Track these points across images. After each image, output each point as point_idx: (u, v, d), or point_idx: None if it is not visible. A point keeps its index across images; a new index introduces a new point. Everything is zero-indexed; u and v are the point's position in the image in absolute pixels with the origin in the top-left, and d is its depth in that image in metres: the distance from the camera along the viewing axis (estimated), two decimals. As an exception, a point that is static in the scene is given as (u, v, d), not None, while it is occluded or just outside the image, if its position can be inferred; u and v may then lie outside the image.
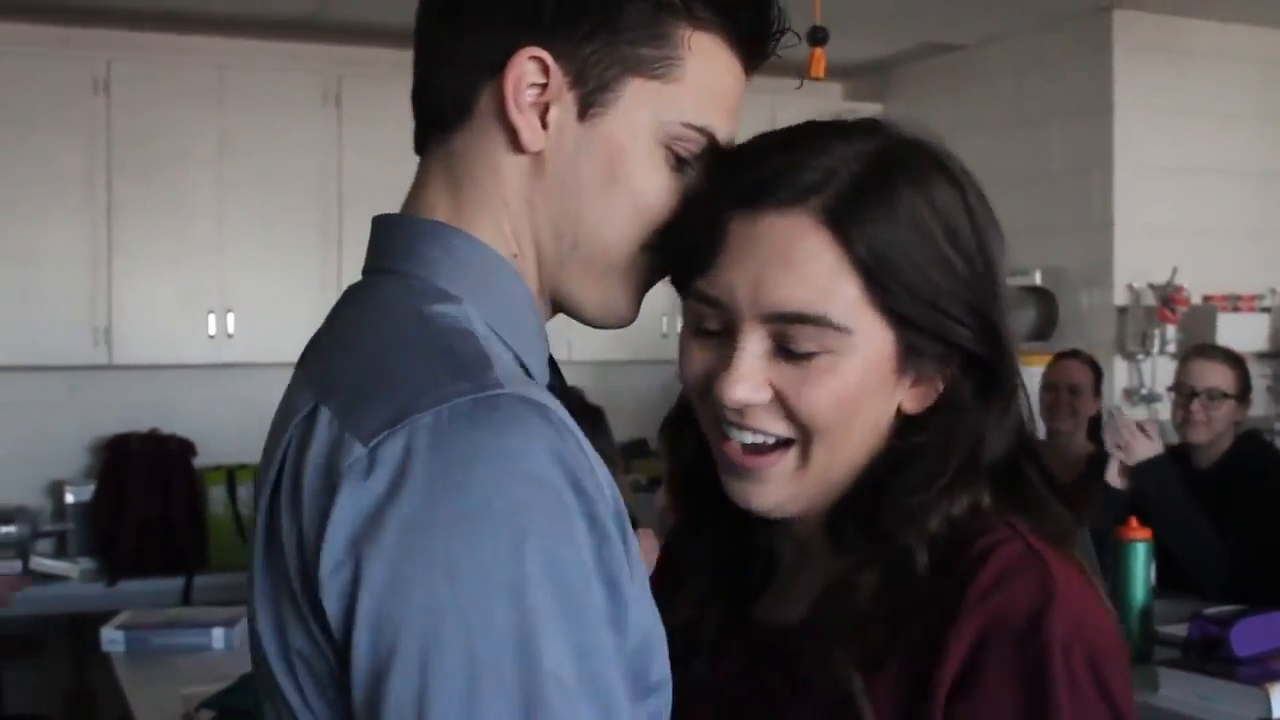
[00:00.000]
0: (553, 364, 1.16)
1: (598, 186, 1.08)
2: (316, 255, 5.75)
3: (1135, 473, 4.10)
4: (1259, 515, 3.99)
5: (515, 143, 1.07)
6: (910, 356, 1.12)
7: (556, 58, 1.06)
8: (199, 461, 5.70)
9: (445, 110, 1.10)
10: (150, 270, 5.55)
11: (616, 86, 1.07)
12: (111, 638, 3.77)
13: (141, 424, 5.71)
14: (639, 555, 0.99)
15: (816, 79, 3.52)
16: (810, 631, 1.12)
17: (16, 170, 5.37)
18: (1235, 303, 5.85)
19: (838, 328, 1.09)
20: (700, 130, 1.11)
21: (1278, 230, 6.05)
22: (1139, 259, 5.71)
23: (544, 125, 1.07)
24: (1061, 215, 5.87)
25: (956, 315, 1.11)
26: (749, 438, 1.13)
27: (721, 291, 1.11)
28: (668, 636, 1.06)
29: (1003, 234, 1.17)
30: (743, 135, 1.17)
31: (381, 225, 1.13)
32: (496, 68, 1.06)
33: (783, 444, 1.13)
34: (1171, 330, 5.69)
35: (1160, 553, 3.51)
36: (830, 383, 1.10)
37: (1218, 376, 4.21)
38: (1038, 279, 5.89)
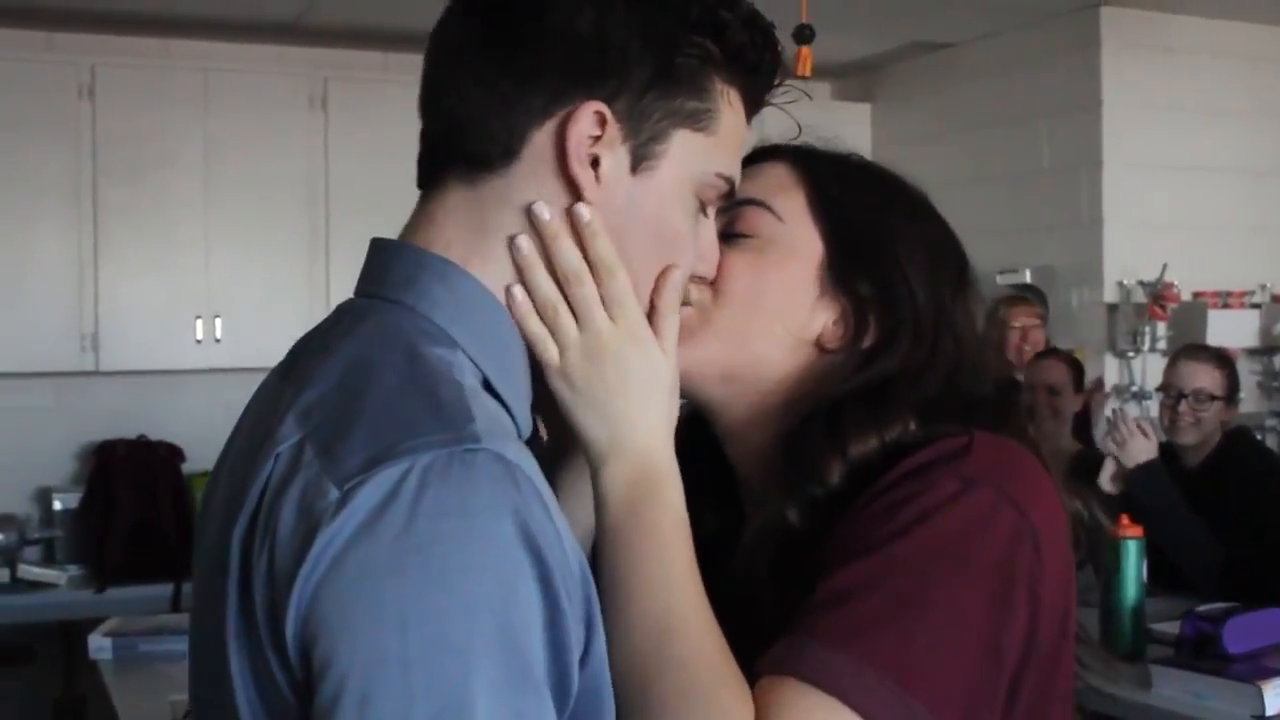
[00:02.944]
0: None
1: (644, 238, 1.11)
2: (303, 259, 5.74)
3: (1130, 479, 4.08)
4: (1249, 513, 3.97)
5: (570, 193, 1.07)
6: (834, 276, 1.26)
7: (614, 111, 1.07)
8: (187, 467, 5.67)
9: (486, 151, 1.08)
10: (137, 275, 5.54)
11: (666, 139, 1.09)
12: (99, 645, 3.75)
13: (129, 430, 5.68)
14: (597, 607, 1.00)
15: (803, 78, 3.51)
16: (744, 569, 1.20)
17: (2, 176, 5.35)
18: (1225, 299, 5.84)
19: (774, 213, 1.26)
20: (726, 179, 1.15)
21: (1267, 226, 6.05)
22: (1129, 256, 5.71)
23: (596, 178, 1.07)
24: (1051, 213, 5.87)
25: (884, 245, 1.26)
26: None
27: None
28: None
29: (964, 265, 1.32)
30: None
31: (382, 250, 1.13)
32: (552, 114, 1.06)
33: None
34: (1162, 327, 5.69)
35: (1151, 550, 3.50)
36: (753, 260, 1.25)
37: (1205, 378, 4.20)
38: (1028, 277, 5.88)
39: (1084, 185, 5.76)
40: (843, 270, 1.26)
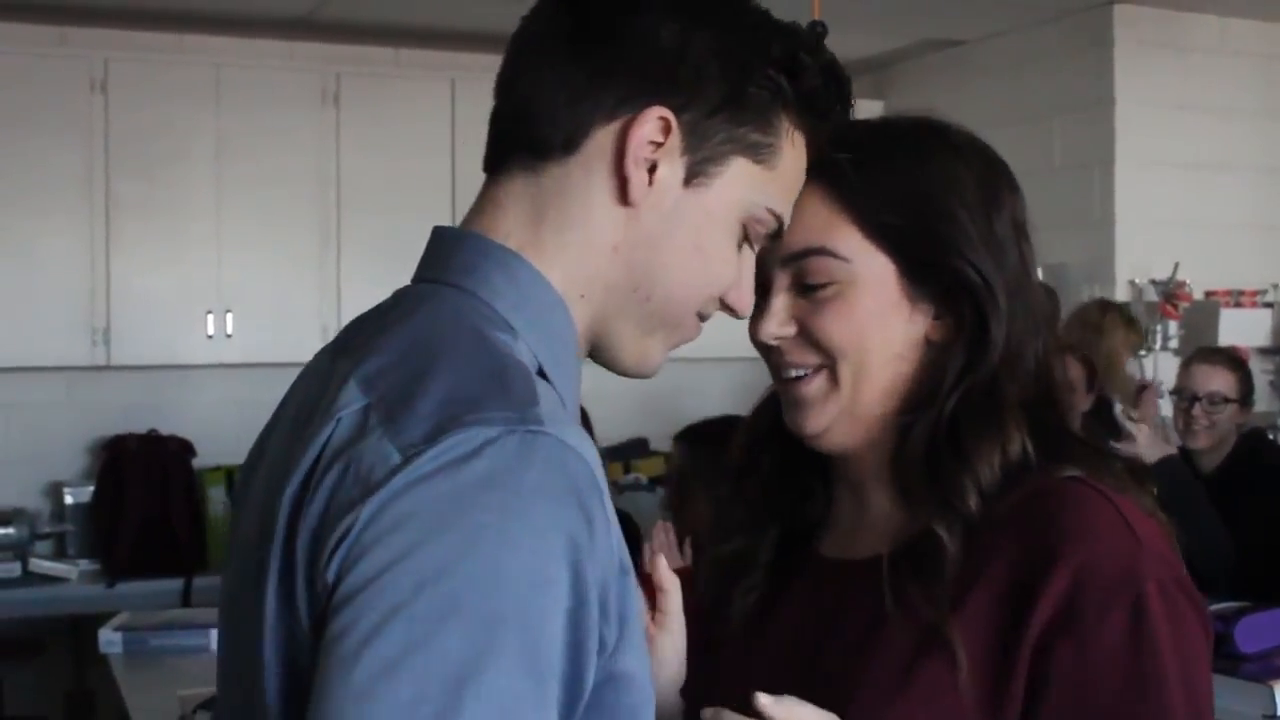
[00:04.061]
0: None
1: (685, 250, 1.12)
2: (315, 254, 5.74)
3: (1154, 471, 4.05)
4: (1264, 513, 3.96)
5: (621, 192, 1.10)
6: (914, 285, 1.28)
7: (680, 122, 1.09)
8: (198, 462, 5.68)
9: (549, 140, 1.11)
10: (148, 270, 5.54)
11: (724, 162, 1.11)
12: (109, 639, 3.77)
13: (140, 425, 5.69)
14: (634, 601, 1.01)
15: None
16: (899, 566, 1.24)
17: (14, 170, 5.35)
18: (1238, 298, 5.82)
19: (839, 256, 1.27)
20: (776, 217, 1.17)
21: (1278, 225, 6.03)
22: (1141, 254, 5.69)
23: (649, 181, 1.09)
24: (1063, 211, 5.85)
25: (943, 243, 1.27)
26: (791, 372, 1.31)
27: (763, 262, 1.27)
28: (723, 563, 1.39)
29: (1008, 192, 1.33)
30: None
31: (444, 237, 1.15)
32: (618, 115, 1.09)
33: (817, 370, 1.30)
34: (1174, 326, 5.67)
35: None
36: (840, 307, 1.28)
37: (1219, 381, 4.18)
38: (1039, 275, 5.84)
39: (1096, 183, 5.74)
40: (918, 276, 1.28)
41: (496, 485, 0.91)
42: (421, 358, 1.01)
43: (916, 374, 1.30)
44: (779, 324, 1.29)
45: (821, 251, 1.27)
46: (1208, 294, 5.76)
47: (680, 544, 3.27)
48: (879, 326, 1.28)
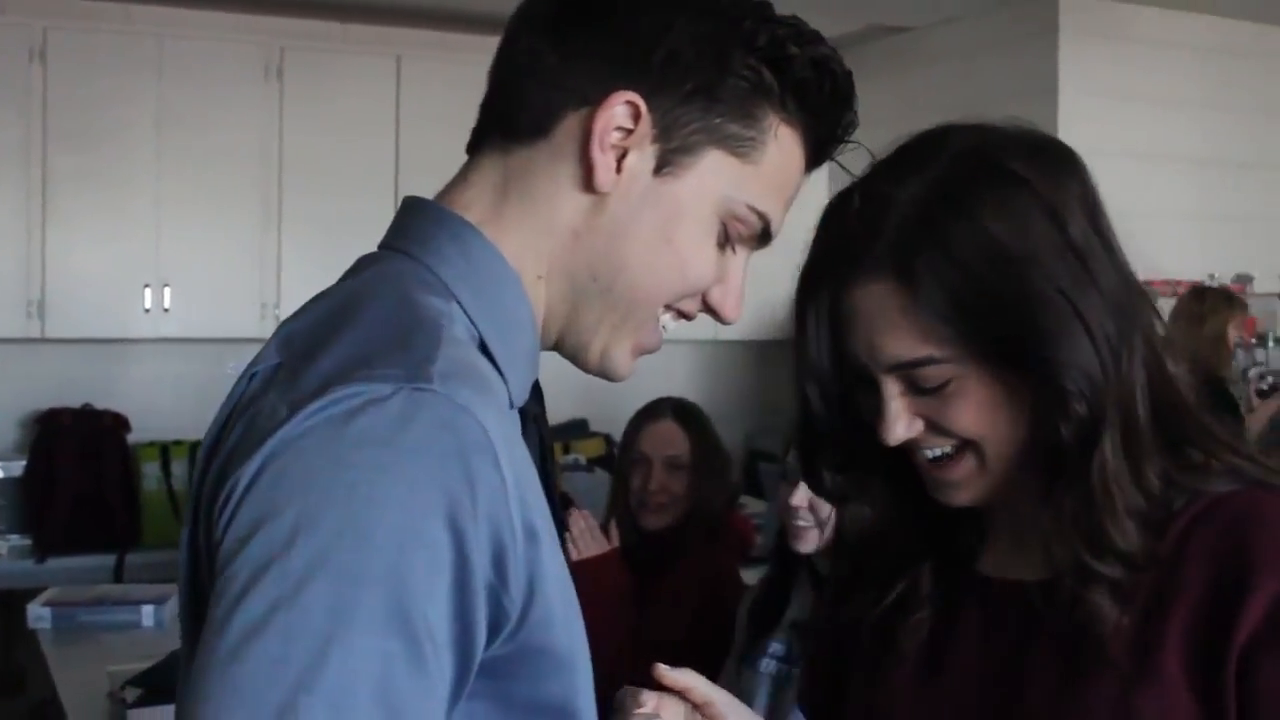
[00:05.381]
0: (536, 390, 1.16)
1: (651, 241, 1.10)
2: (256, 229, 5.69)
3: None
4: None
5: (586, 177, 1.08)
6: (1007, 364, 1.21)
7: (651, 109, 1.08)
8: (133, 437, 5.62)
9: (521, 122, 1.11)
10: (86, 243, 5.47)
11: (698, 152, 1.09)
12: (38, 614, 3.73)
13: (75, 399, 5.63)
14: (551, 570, 0.99)
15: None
16: (1079, 586, 1.20)
17: (-51, 139, 5.27)
18: (1175, 288, 5.88)
19: (945, 360, 1.20)
20: (760, 215, 1.13)
21: (1215, 216, 6.10)
22: (1081, 244, 5.73)
23: (618, 168, 1.08)
24: (1005, 199, 5.89)
25: (1024, 321, 1.18)
26: (929, 453, 1.26)
27: (852, 359, 1.24)
28: (875, 591, 1.35)
29: (1069, 179, 1.28)
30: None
31: (410, 206, 1.14)
32: (588, 100, 1.08)
33: (959, 450, 1.25)
34: (1113, 315, 5.71)
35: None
36: (964, 403, 1.22)
37: None
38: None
39: (1039, 172, 5.77)
40: (1006, 357, 1.20)
41: (374, 442, 0.90)
42: (337, 318, 1.01)
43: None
44: (905, 427, 1.24)
45: (926, 361, 1.20)
46: (1147, 284, 5.78)
47: (605, 526, 3.27)
48: (1001, 408, 1.22)
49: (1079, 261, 1.22)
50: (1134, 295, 1.29)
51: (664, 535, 3.32)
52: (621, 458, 3.48)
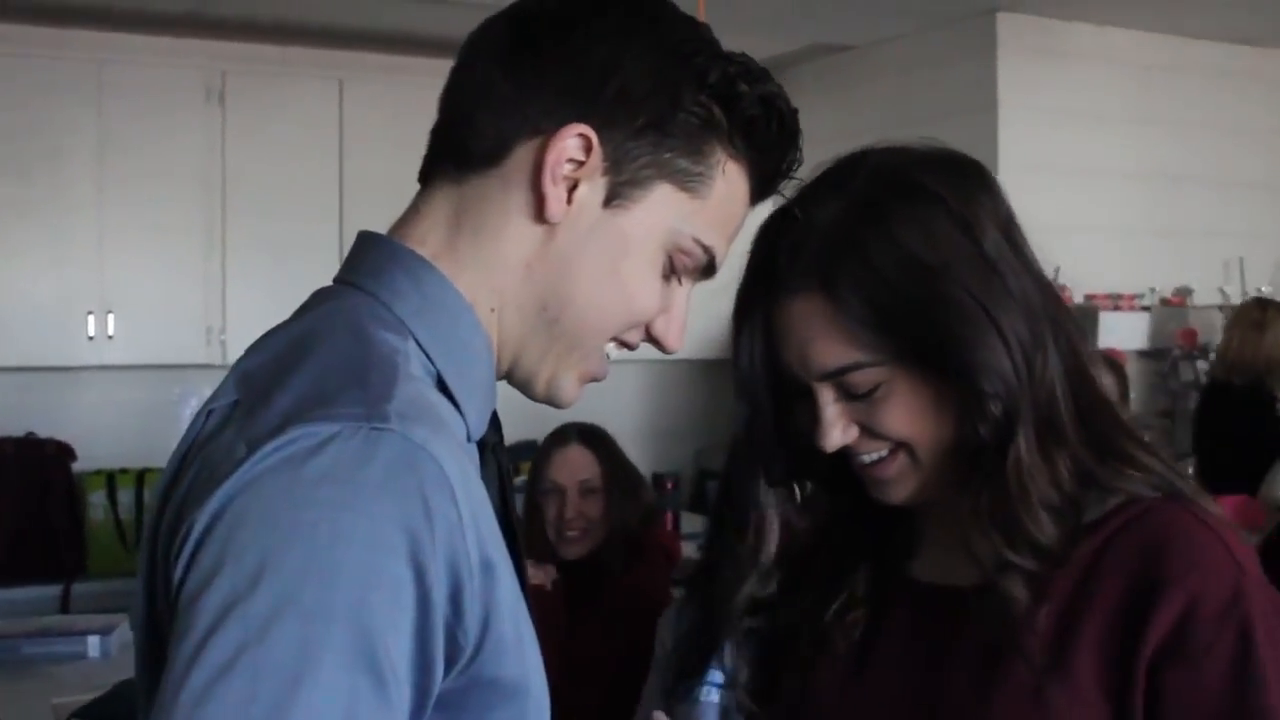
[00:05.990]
0: (494, 420, 1.16)
1: (598, 274, 1.11)
2: (199, 255, 5.65)
3: None
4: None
5: (538, 208, 1.09)
6: (932, 366, 1.28)
7: (602, 142, 1.08)
8: (78, 466, 5.56)
9: (473, 150, 1.11)
10: (27, 270, 5.43)
11: (648, 186, 1.10)
12: (-19, 647, 3.67)
13: (17, 428, 5.56)
14: (505, 602, 0.99)
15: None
16: (996, 575, 1.26)
17: (-115, 167, 5.21)
18: (1116, 302, 5.95)
19: (872, 364, 1.27)
20: (705, 249, 1.14)
21: (1154, 230, 6.17)
22: (1023, 259, 5.77)
23: (569, 200, 1.09)
24: (948, 215, 5.93)
25: (940, 324, 1.25)
26: (865, 458, 1.33)
27: (787, 371, 1.32)
28: (813, 593, 1.41)
29: (980, 192, 1.31)
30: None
31: (364, 241, 1.14)
32: (541, 131, 1.08)
33: (893, 452, 1.31)
34: (1055, 329, 5.75)
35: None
36: (894, 407, 1.28)
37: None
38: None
39: (980, 188, 5.81)
40: (928, 362, 1.27)
41: (333, 481, 0.90)
42: (294, 355, 1.01)
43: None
44: (841, 433, 1.31)
45: (855, 367, 1.27)
46: (1088, 297, 5.87)
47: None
48: (929, 409, 1.29)
49: (991, 270, 1.27)
50: (1049, 301, 1.32)
51: (585, 562, 3.33)
52: (532, 489, 3.45)
